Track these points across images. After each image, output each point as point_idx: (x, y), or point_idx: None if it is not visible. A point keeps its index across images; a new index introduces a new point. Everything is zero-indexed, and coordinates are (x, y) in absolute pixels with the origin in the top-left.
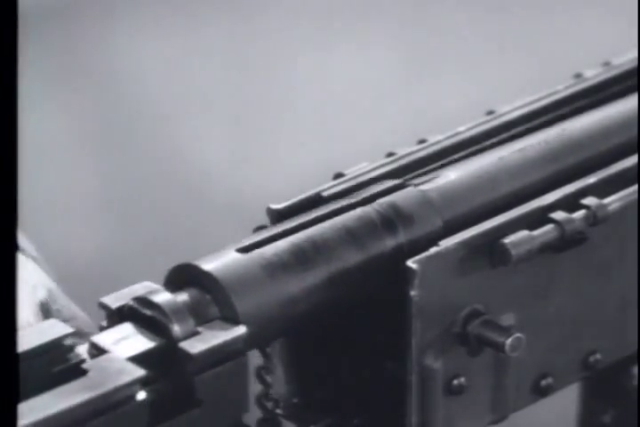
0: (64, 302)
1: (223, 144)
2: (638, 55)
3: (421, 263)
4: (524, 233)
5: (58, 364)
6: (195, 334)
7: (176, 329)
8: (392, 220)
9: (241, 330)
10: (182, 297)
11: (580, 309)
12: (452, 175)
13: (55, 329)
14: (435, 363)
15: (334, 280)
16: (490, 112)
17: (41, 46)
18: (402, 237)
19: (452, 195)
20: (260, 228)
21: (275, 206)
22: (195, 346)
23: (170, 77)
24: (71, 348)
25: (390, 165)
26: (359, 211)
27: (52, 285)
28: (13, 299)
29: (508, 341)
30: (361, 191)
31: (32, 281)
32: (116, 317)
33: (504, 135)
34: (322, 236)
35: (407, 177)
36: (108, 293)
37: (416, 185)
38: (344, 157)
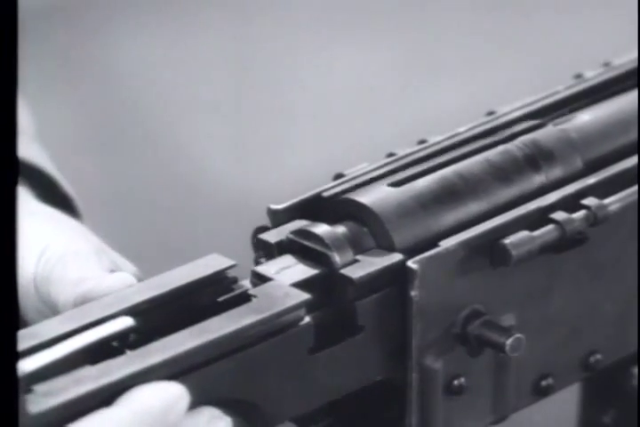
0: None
1: (224, 144)
2: (638, 55)
3: (422, 264)
4: (524, 233)
5: (223, 294)
6: (354, 262)
7: (336, 257)
8: (534, 156)
9: (398, 257)
10: (340, 229)
11: (580, 309)
12: (586, 117)
13: (218, 262)
14: (435, 363)
15: (482, 213)
16: (490, 113)
17: (42, 45)
18: (544, 176)
19: (590, 134)
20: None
21: (275, 207)
22: (355, 272)
23: (171, 77)
24: (235, 279)
25: (390, 166)
26: (501, 148)
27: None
28: (14, 294)
29: (509, 341)
30: (501, 130)
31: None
32: (275, 251)
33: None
34: (469, 170)
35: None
36: None
37: (555, 125)
38: (344, 157)
